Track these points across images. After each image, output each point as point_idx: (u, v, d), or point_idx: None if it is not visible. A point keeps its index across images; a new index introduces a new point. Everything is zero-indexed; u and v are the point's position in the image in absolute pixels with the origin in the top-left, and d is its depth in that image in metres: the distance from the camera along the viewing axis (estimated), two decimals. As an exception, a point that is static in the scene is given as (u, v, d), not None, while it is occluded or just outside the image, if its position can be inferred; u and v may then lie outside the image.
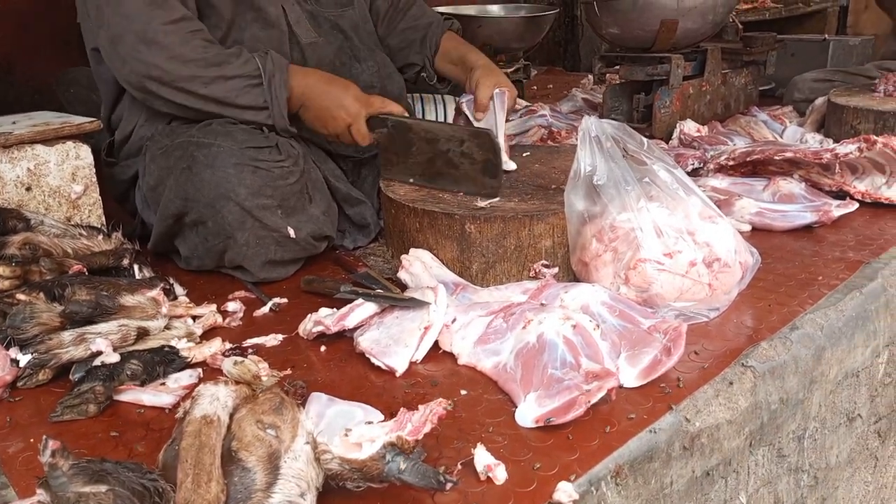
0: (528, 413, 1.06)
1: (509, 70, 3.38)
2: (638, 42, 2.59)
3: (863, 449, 1.50)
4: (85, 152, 1.53)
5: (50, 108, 2.72)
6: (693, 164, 2.20)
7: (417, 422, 0.89)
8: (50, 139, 1.48)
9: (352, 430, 0.88)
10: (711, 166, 2.08)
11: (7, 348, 1.25)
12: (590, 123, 1.43)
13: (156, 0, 1.51)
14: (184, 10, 1.56)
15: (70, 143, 1.51)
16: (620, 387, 1.12)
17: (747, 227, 1.77)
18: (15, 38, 2.78)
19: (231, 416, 0.87)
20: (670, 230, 1.35)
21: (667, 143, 2.48)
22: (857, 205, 1.81)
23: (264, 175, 1.51)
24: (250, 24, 1.69)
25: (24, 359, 1.22)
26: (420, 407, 0.93)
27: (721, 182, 1.98)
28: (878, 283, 1.47)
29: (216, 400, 0.85)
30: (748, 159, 1.99)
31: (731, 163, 2.02)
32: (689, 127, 2.50)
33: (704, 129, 2.50)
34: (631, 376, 1.15)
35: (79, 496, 0.70)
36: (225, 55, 1.57)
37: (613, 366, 1.17)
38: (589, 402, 1.04)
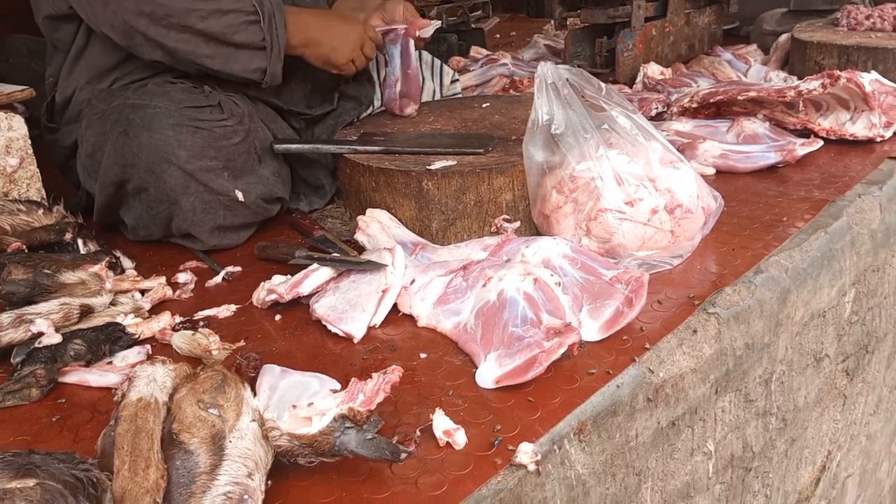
0: (488, 374, 1.03)
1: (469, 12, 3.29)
2: (598, -17, 2.52)
3: (831, 388, 1.50)
4: (18, 123, 1.45)
5: (-11, 78, 2.61)
6: (657, 108, 2.16)
7: (370, 392, 0.85)
8: (-24, 110, 1.40)
9: (300, 404, 0.84)
10: (675, 109, 2.04)
11: (-57, 333, 1.19)
12: (546, 70, 1.37)
13: None
14: None
15: (1, 114, 1.42)
16: (583, 342, 1.09)
17: (711, 171, 1.74)
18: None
19: (171, 397, 0.82)
20: (631, 178, 1.31)
21: (631, 87, 2.43)
22: (821, 142, 1.78)
23: (206, 135, 1.44)
24: None
25: (-39, 342, 1.15)
26: (373, 375, 0.89)
27: (685, 125, 1.94)
28: (844, 221, 1.45)
29: (153, 381, 0.81)
30: (711, 101, 1.94)
31: (694, 105, 1.98)
32: (653, 70, 2.44)
33: (668, 72, 2.45)
34: (593, 330, 1.12)
35: (3, 493, 0.66)
36: None
37: (576, 320, 1.14)
38: (549, 359, 1.01)
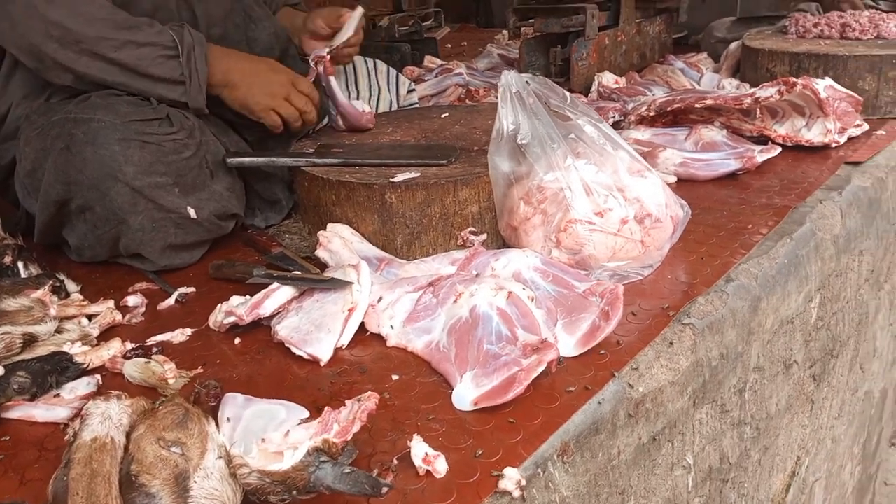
0: (466, 395, 0.99)
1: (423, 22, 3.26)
2: (551, -8, 2.52)
3: (800, 394, 1.50)
4: (-53, 139, 1.35)
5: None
6: (614, 117, 2.16)
7: (344, 421, 0.80)
8: None
9: (270, 438, 0.79)
10: (632, 118, 2.04)
11: None
12: (510, 79, 1.34)
13: None
14: None
15: (-72, 130, 1.32)
16: (560, 358, 1.05)
17: (673, 179, 1.74)
18: None
19: (128, 436, 0.76)
20: (600, 188, 1.28)
21: (586, 96, 2.44)
22: (779, 149, 1.80)
23: (154, 150, 1.36)
24: None
25: None
26: (347, 403, 0.84)
27: (643, 134, 1.94)
28: (808, 227, 1.46)
29: (108, 419, 0.74)
30: (669, 109, 1.95)
31: (651, 113, 1.98)
32: (608, 79, 2.45)
33: (622, 81, 2.47)
34: (570, 345, 1.09)
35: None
36: (135, 20, 1.41)
37: (551, 335, 1.11)
38: (529, 378, 0.97)
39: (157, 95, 1.46)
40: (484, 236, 1.42)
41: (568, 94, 1.36)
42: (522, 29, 2.71)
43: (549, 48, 2.58)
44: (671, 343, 1.12)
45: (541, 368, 0.98)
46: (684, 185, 1.73)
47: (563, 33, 2.50)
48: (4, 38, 1.39)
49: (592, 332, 1.09)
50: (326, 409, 0.82)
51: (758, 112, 1.89)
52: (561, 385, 1.02)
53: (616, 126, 2.14)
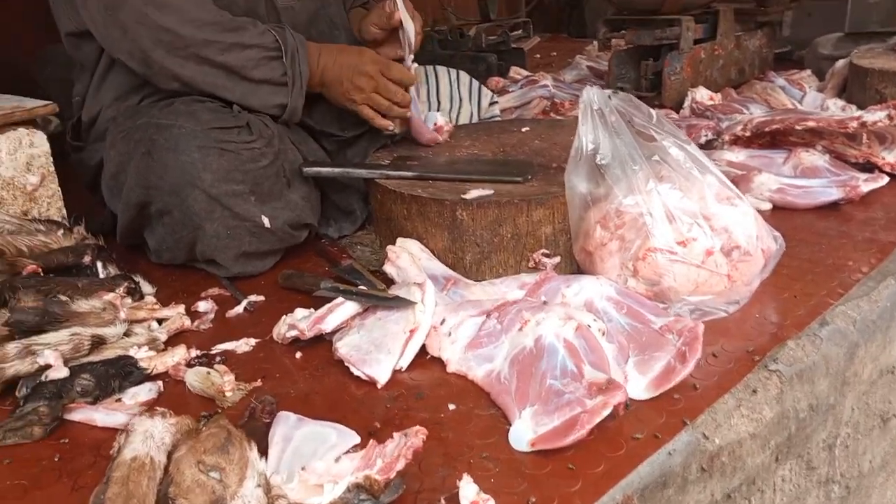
0: (523, 434, 0.93)
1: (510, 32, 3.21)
2: (645, 4, 2.42)
3: (897, 450, 1.37)
4: (40, 139, 1.40)
5: (29, 87, 2.59)
6: (706, 136, 2.05)
7: (389, 457, 0.76)
8: (-2, 126, 1.35)
9: (313, 467, 0.76)
10: (726, 138, 1.92)
11: (-51, 361, 1.13)
12: (592, 95, 1.28)
13: None
14: None
15: (23, 130, 1.37)
16: (629, 401, 0.98)
17: (767, 206, 1.62)
18: (-13, 15, 2.63)
19: (169, 455, 0.74)
20: (683, 215, 1.20)
21: (677, 112, 2.32)
22: (886, 178, 1.65)
23: (232, 158, 1.37)
24: None
25: (-33, 374, 1.09)
26: (394, 436, 0.80)
27: (737, 155, 1.83)
28: (916, 267, 1.33)
29: (150, 437, 0.73)
30: (766, 129, 1.83)
31: (747, 134, 1.87)
32: (702, 95, 2.33)
33: (718, 97, 2.34)
34: (640, 386, 1.02)
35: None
36: (240, 22, 1.44)
37: (621, 374, 1.04)
38: (592, 421, 0.91)
39: (258, 100, 1.47)
40: (557, 259, 1.36)
41: (654, 112, 1.29)
42: (613, 40, 2.62)
43: (640, 61, 2.47)
44: (754, 391, 1.03)
45: (606, 412, 0.92)
46: (780, 213, 1.61)
47: (655, 46, 2.39)
48: (115, 46, 1.42)
49: (666, 374, 1.02)
50: (371, 442, 0.78)
51: (864, 137, 1.74)
52: (628, 431, 0.95)
53: (709, 145, 2.03)
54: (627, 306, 1.17)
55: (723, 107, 2.26)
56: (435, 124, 1.70)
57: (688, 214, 1.21)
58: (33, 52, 2.55)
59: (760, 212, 1.58)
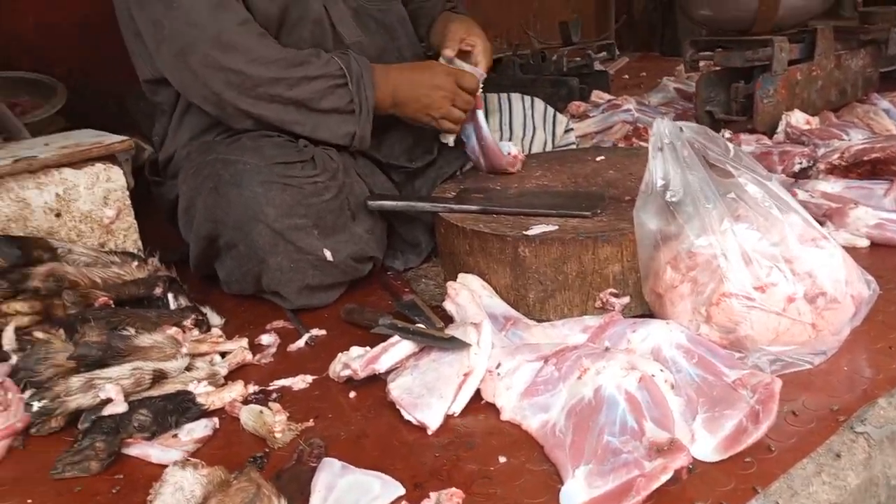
0: (575, 496, 0.87)
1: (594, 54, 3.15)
2: (734, 24, 2.31)
3: None
4: (117, 174, 1.45)
5: (124, 121, 2.73)
6: (801, 163, 1.92)
7: (423, 521, 0.72)
8: (77, 161, 1.40)
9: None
10: (822, 166, 1.79)
11: (23, 391, 1.17)
12: (662, 128, 1.21)
13: (221, 3, 1.40)
14: (246, 12, 1.45)
15: (100, 165, 1.43)
16: (693, 465, 0.90)
17: (865, 243, 1.49)
18: (90, 51, 2.80)
19: (200, 509, 0.73)
20: (762, 258, 1.11)
21: (770, 137, 2.20)
22: None
23: (295, 192, 1.38)
24: (294, 26, 1.55)
25: (36, 405, 1.13)
26: (431, 495, 0.77)
27: (833, 186, 1.70)
28: None
29: (179, 490, 0.72)
30: (866, 158, 1.69)
31: (845, 162, 1.73)
32: (797, 118, 2.20)
33: (815, 121, 2.20)
34: (708, 448, 0.94)
35: None
36: (304, 55, 1.46)
37: (687, 431, 0.96)
38: (650, 487, 0.84)
39: (328, 130, 1.49)
40: (626, 300, 1.29)
41: (731, 145, 1.20)
42: (702, 62, 2.51)
43: (730, 83, 2.36)
44: (838, 455, 0.93)
45: (666, 476, 0.85)
46: (878, 251, 1.48)
47: (746, 67, 2.27)
48: (188, 90, 1.47)
49: (737, 435, 0.93)
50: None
51: (980, 167, 1.58)
52: (691, 496, 0.87)
53: (803, 174, 1.90)
54: (699, 355, 1.08)
55: (820, 132, 2.12)
56: (509, 153, 1.66)
57: (766, 257, 1.11)
58: (128, 86, 2.69)
59: (856, 249, 1.47)
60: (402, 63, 1.60)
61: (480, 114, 1.65)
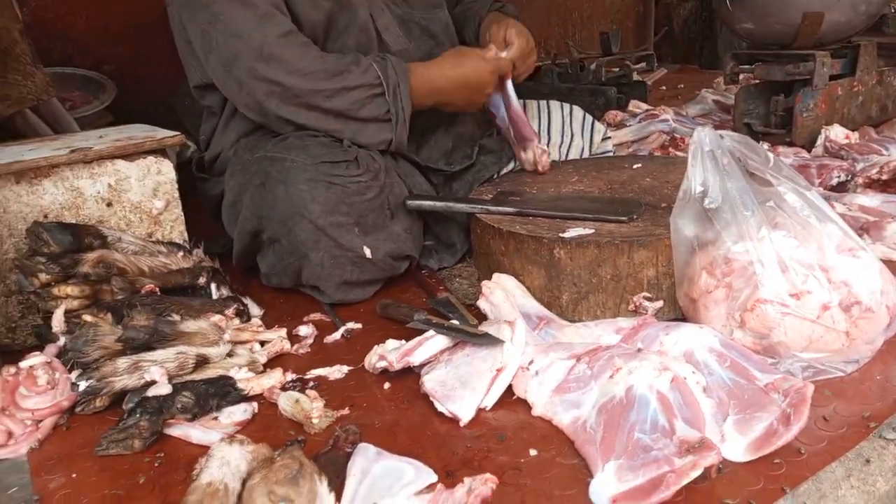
0: (605, 489, 0.89)
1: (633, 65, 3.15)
2: (776, 38, 2.31)
3: None
4: (167, 167, 1.50)
5: (171, 118, 2.81)
6: (839, 177, 1.92)
7: (457, 503, 0.74)
8: (130, 154, 1.45)
9: (380, 507, 0.75)
10: (860, 180, 1.79)
11: (70, 371, 1.22)
12: (703, 136, 1.22)
13: (265, 14, 1.45)
14: (290, 23, 1.49)
15: (151, 158, 1.48)
16: (721, 466, 0.91)
17: (902, 256, 1.49)
18: (139, 49, 2.88)
19: (244, 482, 0.76)
20: (798, 265, 1.12)
21: (809, 151, 2.19)
22: None
23: (339, 191, 1.42)
24: (341, 34, 1.60)
25: (82, 384, 1.18)
26: (465, 481, 0.79)
27: (871, 200, 1.69)
28: None
29: (226, 464, 0.75)
30: (906, 173, 1.68)
31: (884, 177, 1.73)
32: (837, 133, 2.19)
33: (855, 136, 2.19)
34: (739, 448, 0.95)
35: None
36: (344, 64, 1.49)
37: (717, 432, 0.97)
38: (679, 482, 0.85)
39: (366, 137, 1.53)
40: (660, 304, 1.30)
41: (771, 155, 1.21)
42: (741, 75, 2.51)
43: (770, 96, 2.36)
44: (868, 461, 0.94)
45: (695, 473, 0.86)
46: (916, 265, 1.47)
47: (786, 81, 2.27)
48: (234, 98, 1.53)
49: (767, 436, 0.94)
50: (439, 487, 0.77)
51: None
52: (720, 494, 0.88)
53: (841, 188, 1.89)
54: (731, 359, 1.09)
55: (859, 147, 2.11)
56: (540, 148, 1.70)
57: (803, 265, 1.12)
58: (174, 83, 2.77)
59: (892, 262, 1.46)
60: (441, 57, 1.62)
61: (509, 84, 1.68)
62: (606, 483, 0.89)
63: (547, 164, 1.70)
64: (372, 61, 1.52)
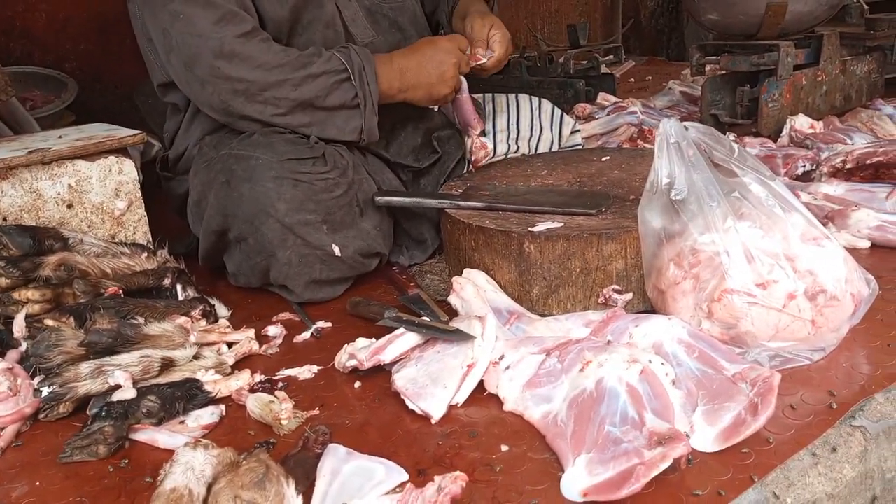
0: (576, 482, 0.89)
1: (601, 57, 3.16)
2: (741, 28, 2.33)
3: None
4: (129, 167, 1.47)
5: (134, 116, 2.76)
6: (804, 167, 1.94)
7: (427, 502, 0.74)
8: (90, 154, 1.42)
9: (349, 508, 0.74)
10: (825, 169, 1.81)
11: (32, 377, 1.19)
12: (668, 127, 1.22)
13: (225, 15, 1.43)
14: (253, 21, 1.47)
15: (112, 158, 1.45)
16: (691, 457, 0.92)
17: (866, 244, 1.51)
18: (101, 46, 2.83)
19: (209, 487, 0.75)
20: (764, 255, 1.13)
21: (775, 141, 2.21)
22: None
23: (306, 188, 1.40)
24: (305, 28, 1.58)
25: (45, 390, 1.15)
26: (435, 479, 0.78)
27: (836, 188, 1.71)
28: None
29: (190, 469, 0.74)
30: (869, 161, 1.71)
31: (848, 165, 1.75)
32: (802, 123, 2.21)
33: (819, 125, 2.21)
34: (707, 438, 0.95)
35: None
36: (307, 56, 1.48)
37: (686, 423, 0.98)
38: (649, 474, 0.85)
39: (335, 128, 1.51)
40: (629, 296, 1.31)
41: (735, 145, 1.22)
42: (707, 66, 2.53)
43: (736, 87, 2.37)
44: (834, 448, 0.95)
45: (665, 464, 0.86)
46: (879, 252, 1.49)
47: (752, 71, 2.29)
48: (197, 98, 1.50)
49: (736, 426, 0.95)
50: (409, 486, 0.76)
51: (983, 171, 1.60)
52: (690, 485, 0.89)
53: (806, 177, 1.92)
54: (699, 350, 1.10)
55: (824, 136, 2.14)
56: (482, 143, 1.70)
57: (768, 255, 1.13)
58: (141, 81, 2.72)
59: (857, 250, 1.48)
60: (402, 50, 1.60)
61: (464, 81, 1.68)
62: (577, 477, 0.89)
63: (481, 158, 1.70)
64: (334, 51, 1.50)
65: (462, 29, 1.73)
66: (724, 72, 2.38)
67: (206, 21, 1.41)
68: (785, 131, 2.22)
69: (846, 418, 0.99)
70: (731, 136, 2.25)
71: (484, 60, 1.65)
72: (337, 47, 1.53)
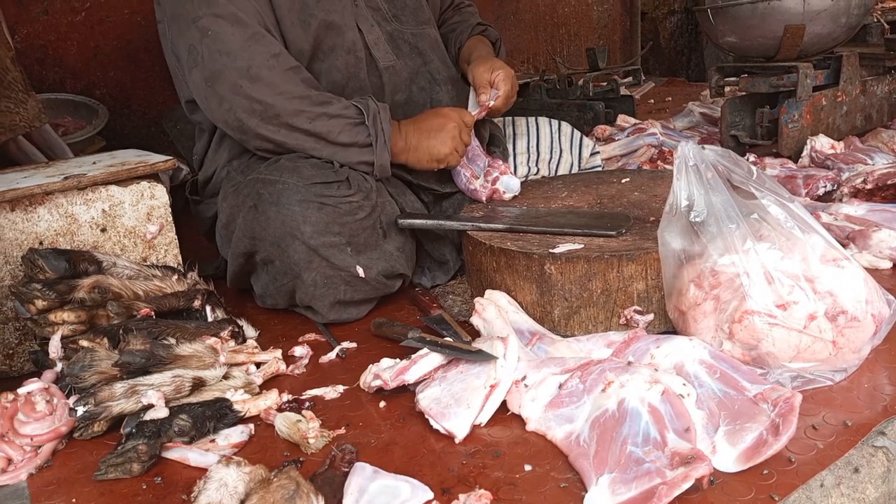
0: (598, 502, 0.90)
1: (620, 79, 3.18)
2: (760, 50, 2.34)
3: None
4: (160, 192, 1.51)
5: (163, 141, 2.82)
6: (825, 187, 1.94)
7: (452, 519, 0.75)
8: (123, 179, 1.47)
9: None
10: (846, 190, 1.82)
11: (68, 396, 1.23)
12: (686, 150, 1.24)
13: (254, 35, 1.48)
14: (280, 45, 1.52)
15: (144, 183, 1.49)
16: (713, 477, 0.93)
17: (887, 264, 1.51)
18: (130, 73, 2.90)
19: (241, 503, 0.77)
20: (784, 276, 1.14)
21: (795, 161, 2.22)
22: None
23: (331, 211, 1.44)
24: (327, 55, 1.62)
25: (80, 409, 1.18)
26: (460, 497, 0.80)
27: (857, 209, 1.71)
28: None
29: (223, 486, 0.76)
30: (890, 182, 1.71)
31: (869, 186, 1.76)
32: (822, 143, 2.22)
33: (840, 146, 2.22)
34: (729, 459, 0.96)
35: None
36: (327, 96, 1.52)
37: (708, 443, 0.99)
38: (671, 494, 0.86)
39: (345, 159, 1.53)
40: (650, 317, 1.32)
41: (754, 168, 1.23)
42: (727, 87, 2.55)
43: (755, 108, 2.39)
44: (856, 469, 0.95)
45: (687, 484, 0.87)
46: (901, 272, 1.49)
47: (771, 93, 2.30)
48: (213, 113, 1.54)
49: (757, 446, 0.96)
50: (434, 504, 0.78)
51: None
52: (711, 504, 0.89)
53: (827, 197, 1.92)
54: (721, 371, 1.11)
55: (844, 156, 2.14)
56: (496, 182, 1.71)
57: (788, 276, 1.14)
58: (169, 106, 2.79)
59: (878, 270, 1.49)
60: (412, 118, 1.65)
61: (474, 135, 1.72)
62: (600, 496, 0.91)
63: (491, 197, 1.70)
64: (353, 102, 1.54)
65: (465, 73, 1.77)
66: (743, 93, 2.40)
67: (236, 39, 1.45)
68: (805, 152, 2.22)
69: (868, 439, 0.99)
70: (752, 157, 2.26)
71: (491, 102, 1.68)
72: (356, 98, 1.56)
